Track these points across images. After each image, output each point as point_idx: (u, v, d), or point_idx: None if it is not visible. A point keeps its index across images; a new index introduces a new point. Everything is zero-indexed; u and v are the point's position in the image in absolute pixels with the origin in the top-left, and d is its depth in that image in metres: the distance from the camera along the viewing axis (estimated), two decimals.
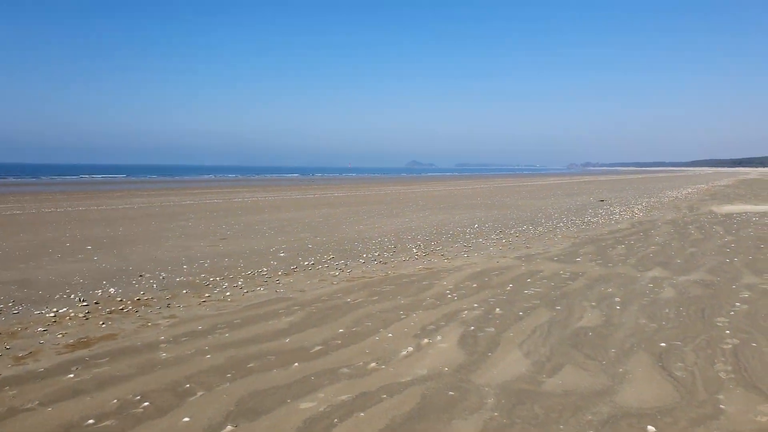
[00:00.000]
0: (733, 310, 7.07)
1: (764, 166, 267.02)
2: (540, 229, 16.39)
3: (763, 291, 8.14)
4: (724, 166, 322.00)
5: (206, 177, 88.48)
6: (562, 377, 4.95)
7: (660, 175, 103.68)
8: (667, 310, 7.12)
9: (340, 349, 5.84)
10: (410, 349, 5.78)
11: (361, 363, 5.40)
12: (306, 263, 10.97)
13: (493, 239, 14.15)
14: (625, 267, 10.30)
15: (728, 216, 19.98)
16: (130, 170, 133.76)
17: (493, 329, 6.42)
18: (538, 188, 46.39)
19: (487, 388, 4.73)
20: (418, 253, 12.04)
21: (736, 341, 5.84)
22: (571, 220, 19.00)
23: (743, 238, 14.06)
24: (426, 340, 6.05)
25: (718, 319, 6.70)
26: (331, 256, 11.74)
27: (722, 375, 4.93)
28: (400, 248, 12.80)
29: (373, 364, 5.34)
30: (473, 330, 6.40)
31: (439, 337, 6.15)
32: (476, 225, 17.39)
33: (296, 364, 5.41)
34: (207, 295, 8.41)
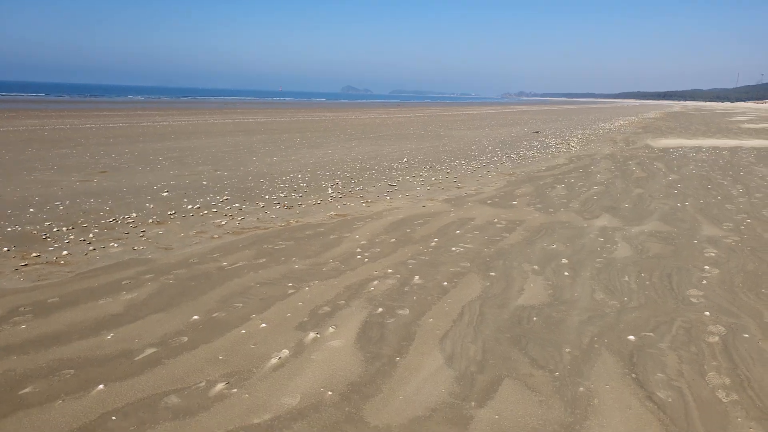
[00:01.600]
0: (704, 278, 5.67)
1: (685, 100, 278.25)
2: (473, 164, 14.79)
3: (728, 248, 6.83)
4: (649, 99, 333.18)
5: (121, 98, 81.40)
6: (498, 405, 3.31)
7: (590, 106, 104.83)
8: (627, 278, 5.63)
9: (180, 354, 3.96)
10: (285, 353, 3.98)
11: (202, 384, 3.56)
12: (189, 207, 8.85)
13: (422, 177, 12.40)
14: (568, 213, 8.82)
15: (665, 151, 19.12)
16: (34, 88, 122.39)
17: (407, 312, 4.71)
18: (472, 117, 44.91)
19: None
20: (334, 194, 10.14)
21: (722, 330, 4.39)
22: (506, 153, 17.52)
23: (687, 177, 12.99)
24: (312, 335, 4.26)
25: (691, 291, 5.26)
26: (226, 198, 9.66)
27: (721, 395, 3.43)
28: (314, 187, 10.84)
29: (219, 387, 3.51)
30: (381, 315, 4.65)
31: (331, 329, 4.37)
32: (405, 159, 15.57)
33: (100, 387, 3.51)
34: (36, 255, 6.24)
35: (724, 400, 3.37)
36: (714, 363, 3.84)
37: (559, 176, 12.87)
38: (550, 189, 11.08)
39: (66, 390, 3.47)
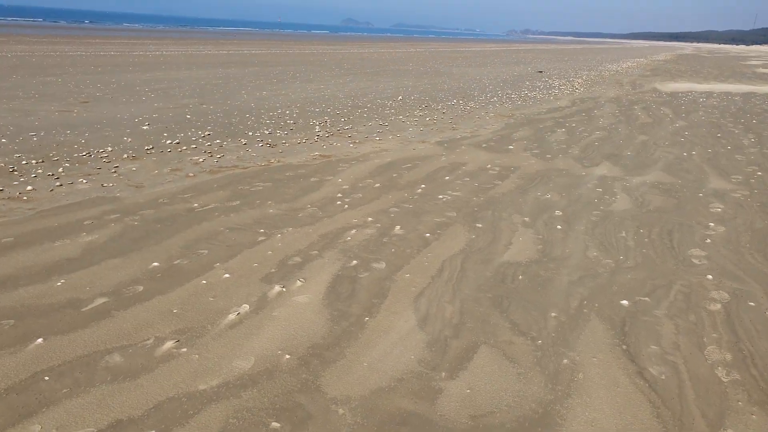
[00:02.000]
0: (708, 236, 5.29)
1: (698, 42, 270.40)
2: (471, 104, 14.16)
3: (736, 203, 6.41)
4: (660, 40, 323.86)
5: (117, 26, 78.68)
6: (472, 377, 2.99)
7: (598, 46, 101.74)
8: (624, 234, 5.25)
9: (132, 306, 3.63)
10: (245, 308, 3.63)
11: (149, 341, 3.23)
12: (168, 142, 8.37)
13: (416, 117, 11.83)
14: (566, 160, 8.36)
15: (673, 95, 18.38)
16: (32, 12, 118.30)
17: (383, 266, 4.35)
18: (475, 55, 43.44)
19: (341, 411, 2.69)
20: (321, 133, 9.63)
21: (725, 296, 4.04)
22: (507, 93, 16.82)
23: (696, 124, 12.41)
24: (278, 289, 3.91)
25: (693, 251, 4.89)
26: (208, 133, 9.16)
27: (721, 374, 3.11)
28: (301, 125, 10.31)
29: (167, 345, 3.19)
30: (354, 268, 4.29)
31: (299, 282, 4.02)
32: (400, 97, 14.90)
33: (38, 341, 3.18)
34: (0, 189, 5.83)
35: (724, 380, 3.04)
36: (714, 335, 3.50)
37: (560, 120, 12.29)
38: (549, 133, 10.55)
39: (1, 343, 3.14)
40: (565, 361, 3.16)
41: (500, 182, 6.96)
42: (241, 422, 2.57)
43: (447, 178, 7.06)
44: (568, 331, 3.47)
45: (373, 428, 2.57)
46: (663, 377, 3.04)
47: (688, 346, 3.36)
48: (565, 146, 9.39)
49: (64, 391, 2.78)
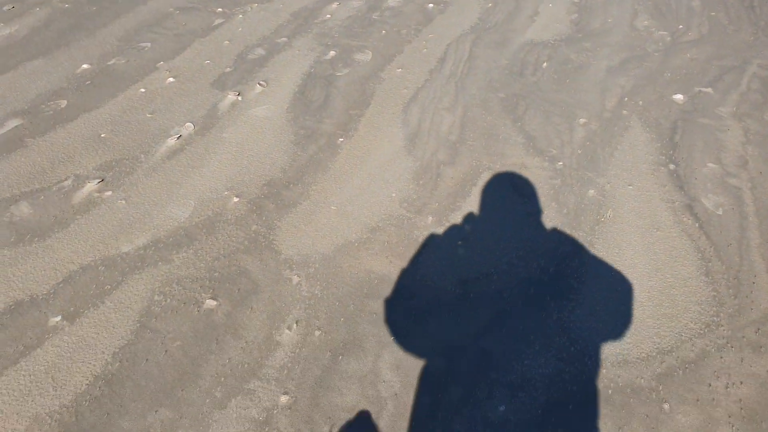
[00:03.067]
0: None
1: None
2: None
3: None
4: None
5: None
6: (466, 222, 2.34)
7: None
8: None
9: (51, 130, 2.92)
10: (189, 127, 2.90)
11: (67, 182, 2.60)
12: None
13: None
14: None
15: None
16: None
17: (368, 57, 3.41)
18: None
19: (296, 278, 2.12)
20: None
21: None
22: None
23: None
24: (231, 98, 3.10)
25: None
26: None
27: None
28: None
29: (88, 187, 2.56)
30: (331, 62, 3.37)
31: (258, 88, 3.18)
32: None
33: None
34: None
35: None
36: None
37: None
38: None
39: None
40: (591, 192, 2.43)
41: None
42: (167, 300, 2.03)
43: None
44: (599, 147, 2.67)
45: (334, 303, 2.00)
46: (720, 213, 2.32)
47: (761, 163, 2.55)
48: None
49: None
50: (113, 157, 2.72)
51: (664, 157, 2.60)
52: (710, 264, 2.11)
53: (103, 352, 1.85)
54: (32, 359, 1.84)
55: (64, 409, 1.70)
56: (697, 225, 2.26)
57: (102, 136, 2.86)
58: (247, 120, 2.92)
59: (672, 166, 2.55)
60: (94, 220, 2.38)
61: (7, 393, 1.74)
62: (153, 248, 2.25)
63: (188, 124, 2.91)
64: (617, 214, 2.33)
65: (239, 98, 3.08)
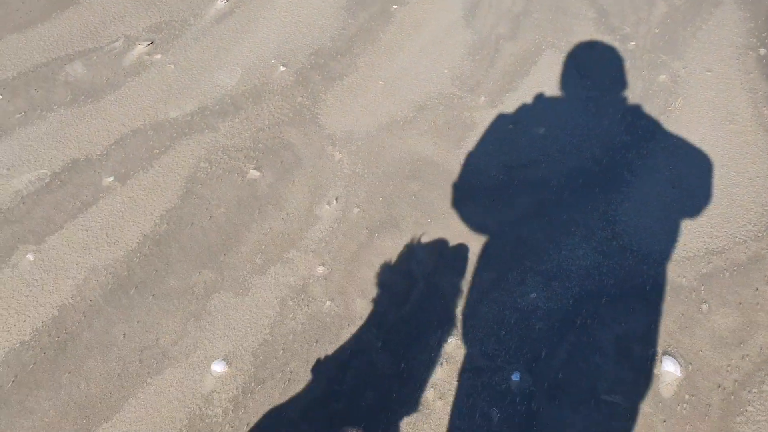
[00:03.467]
0: None
1: None
2: None
3: None
4: None
5: None
6: (522, 106, 2.22)
7: None
8: None
9: None
10: None
11: (118, 42, 2.60)
12: None
13: None
14: None
15: None
16: None
17: None
18: None
19: (338, 155, 2.12)
20: None
21: None
22: None
23: None
24: None
25: None
26: None
27: None
28: None
29: (139, 48, 2.55)
30: None
31: None
32: None
33: None
34: None
35: None
36: None
37: None
38: None
39: None
40: (663, 77, 2.22)
41: None
42: (213, 167, 2.07)
43: None
44: (680, 25, 2.39)
45: (374, 183, 1.99)
46: None
47: None
48: None
49: (18, 116, 2.32)
50: (163, 19, 2.66)
51: (755, 40, 2.31)
52: None
53: (152, 214, 1.94)
54: (89, 215, 1.95)
55: (118, 263, 1.83)
56: None
57: None
58: None
59: (763, 51, 2.27)
60: (144, 84, 2.39)
61: (68, 245, 1.88)
62: (200, 115, 2.26)
63: None
64: (687, 103, 2.14)
65: None
